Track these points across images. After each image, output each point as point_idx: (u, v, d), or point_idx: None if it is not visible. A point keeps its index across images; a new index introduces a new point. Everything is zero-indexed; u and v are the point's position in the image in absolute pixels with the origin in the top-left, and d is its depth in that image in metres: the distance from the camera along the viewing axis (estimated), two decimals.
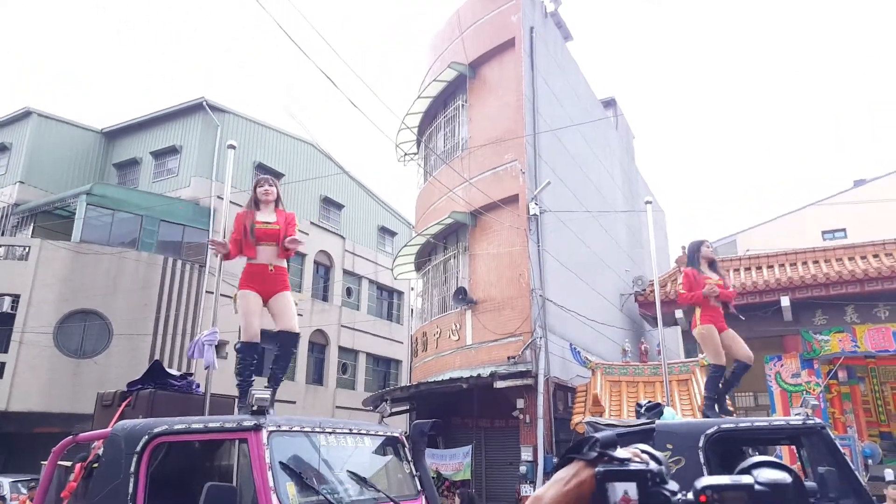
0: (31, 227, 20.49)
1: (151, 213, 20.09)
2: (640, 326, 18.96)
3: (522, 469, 12.16)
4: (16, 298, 17.75)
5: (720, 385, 6.14)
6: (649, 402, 5.91)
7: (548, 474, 11.86)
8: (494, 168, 14.69)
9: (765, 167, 78.22)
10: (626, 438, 5.02)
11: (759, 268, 14.90)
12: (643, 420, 5.18)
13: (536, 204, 13.79)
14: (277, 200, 5.15)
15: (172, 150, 22.49)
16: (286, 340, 4.88)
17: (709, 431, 4.45)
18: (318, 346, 24.51)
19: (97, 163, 23.73)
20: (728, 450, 4.80)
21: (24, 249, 18.54)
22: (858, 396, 15.21)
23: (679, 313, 15.44)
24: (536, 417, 12.28)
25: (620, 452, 0.99)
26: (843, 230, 24.29)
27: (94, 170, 23.41)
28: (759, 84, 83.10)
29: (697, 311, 6.20)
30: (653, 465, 0.96)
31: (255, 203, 5.07)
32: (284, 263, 5.04)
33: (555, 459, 12.13)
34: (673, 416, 5.53)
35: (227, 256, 5.14)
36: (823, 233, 24.58)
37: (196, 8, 78.09)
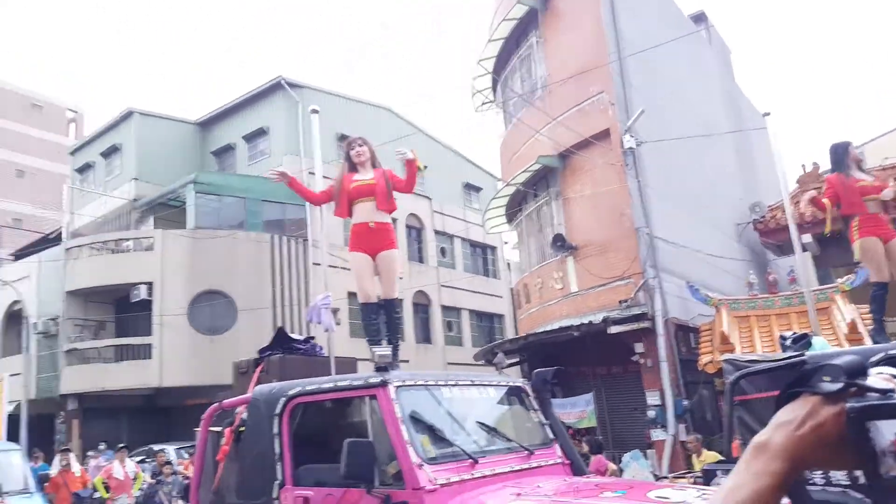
0: (152, 219, 22.07)
1: (252, 195, 20.99)
2: (761, 257, 17.75)
3: (651, 414, 11.81)
4: (150, 286, 19.32)
5: (881, 305, 5.49)
6: (794, 333, 5.44)
7: (679, 417, 11.48)
8: (580, 104, 13.91)
9: (877, 72, 70.77)
10: (774, 374, 4.63)
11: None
12: (790, 353, 4.79)
13: (631, 136, 12.99)
14: (373, 159, 5.05)
15: (261, 132, 23.23)
16: (388, 307, 4.86)
17: (874, 359, 3.96)
18: (422, 307, 24.99)
19: (197, 153, 24.94)
20: None
21: (149, 240, 20.15)
22: None
23: (807, 237, 14.29)
24: (659, 360, 11.81)
25: (874, 380, 0.72)
26: None
27: (195, 159, 24.61)
28: None
29: (855, 222, 5.45)
30: None
31: (353, 167, 5.00)
32: (386, 219, 4.89)
33: (685, 402, 11.70)
34: (824, 345, 5.07)
35: (315, 200, 5.23)
36: None
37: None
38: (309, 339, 5.06)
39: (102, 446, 16.28)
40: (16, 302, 20.95)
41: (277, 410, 3.68)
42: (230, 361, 5.37)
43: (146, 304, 19.33)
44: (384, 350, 4.27)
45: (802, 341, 4.89)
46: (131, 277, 19.56)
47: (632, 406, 12.97)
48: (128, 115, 23.85)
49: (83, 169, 25.87)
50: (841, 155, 5.61)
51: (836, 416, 0.72)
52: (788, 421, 0.75)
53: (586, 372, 13.88)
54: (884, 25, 72.70)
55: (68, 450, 11.69)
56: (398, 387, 3.50)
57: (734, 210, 17.16)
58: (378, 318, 4.80)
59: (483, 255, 29.09)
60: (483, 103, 17.99)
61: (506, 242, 26.18)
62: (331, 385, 3.71)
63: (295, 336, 5.06)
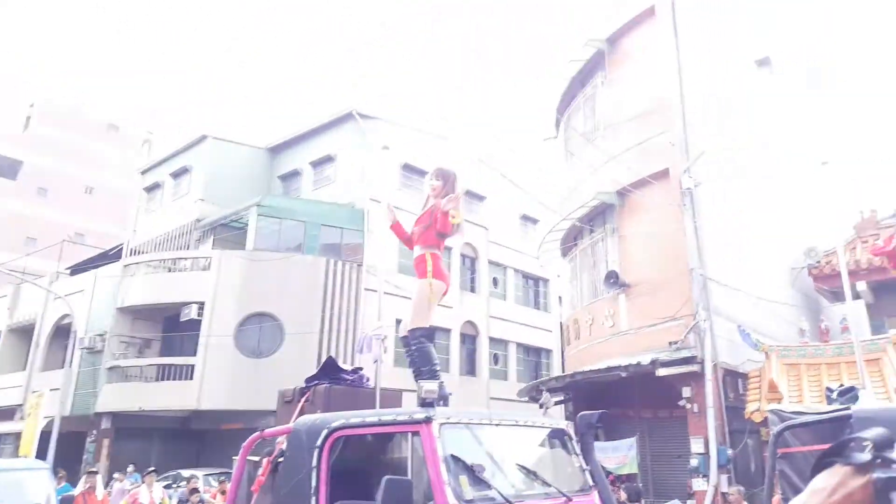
0: (212, 240, 22.68)
1: (313, 219, 21.49)
2: (815, 303, 17.15)
3: (693, 462, 11.46)
4: (201, 305, 19.55)
5: None
6: (841, 386, 5.32)
7: (722, 467, 11.12)
8: (640, 143, 13.95)
9: None
10: (819, 428, 4.54)
11: None
12: (836, 406, 4.68)
13: (690, 177, 12.92)
14: (448, 190, 4.98)
15: (328, 159, 23.89)
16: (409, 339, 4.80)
17: None
18: (469, 338, 24.93)
19: (264, 176, 25.74)
20: None
21: (206, 260, 20.53)
22: None
23: (862, 286, 13.81)
24: (705, 406, 11.49)
25: None
26: None
27: (261, 183, 25.38)
28: None
29: None
30: None
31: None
32: (421, 251, 4.91)
33: (729, 451, 11.35)
34: (871, 401, 4.93)
35: (400, 233, 5.23)
36: None
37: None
38: (357, 369, 5.15)
39: (131, 468, 16.11)
40: (65, 316, 21.23)
41: (318, 442, 3.67)
42: (271, 386, 5.43)
43: (195, 324, 19.47)
44: (431, 384, 4.24)
45: (849, 395, 4.78)
46: (184, 296, 19.85)
47: (675, 453, 12.61)
48: (201, 139, 24.92)
49: (151, 188, 26.95)
50: None
51: (864, 487, 0.81)
52: (822, 489, 0.85)
53: (631, 415, 13.60)
54: None
55: (95, 472, 11.26)
56: (442, 424, 3.51)
57: (789, 254, 16.68)
58: (410, 350, 4.82)
59: (535, 288, 28.92)
60: (545, 139, 18.24)
61: (559, 276, 26.01)
62: (375, 419, 3.75)
63: (343, 366, 5.16)
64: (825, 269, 14.95)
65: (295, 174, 25.24)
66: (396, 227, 5.16)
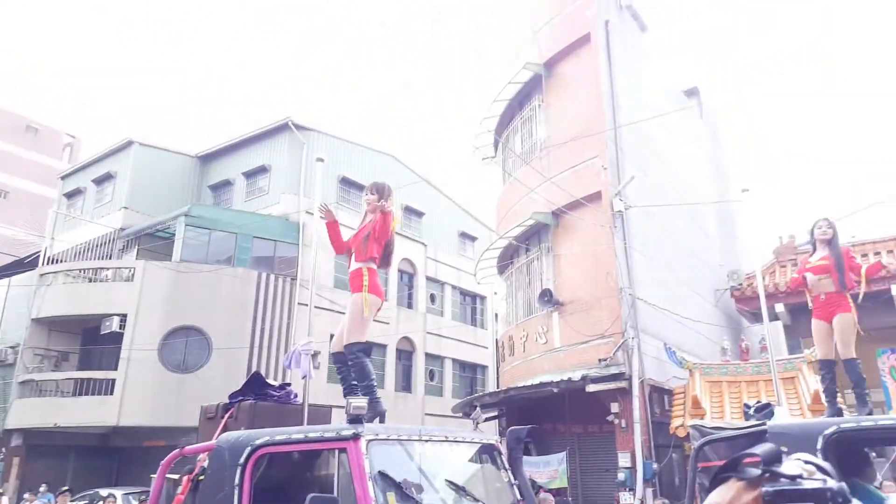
0: (136, 250, 21.80)
1: (245, 231, 20.99)
2: (737, 323, 18.00)
3: (620, 476, 11.73)
4: (123, 318, 18.76)
5: (830, 381, 5.69)
6: (758, 402, 5.57)
7: (647, 481, 11.43)
8: (575, 166, 14.37)
9: (861, 147, 72.81)
10: (737, 442, 4.73)
11: (864, 255, 13.90)
12: (753, 422, 4.89)
13: (621, 200, 13.37)
14: (380, 205, 4.95)
15: (262, 170, 23.45)
16: (347, 355, 4.77)
17: (827, 432, 4.08)
18: (406, 354, 24.82)
19: (194, 186, 25.02)
20: (850, 451, 4.44)
21: (130, 271, 19.70)
22: None
23: (780, 307, 14.57)
24: (633, 422, 11.83)
25: (788, 468, 0.86)
26: None
27: (191, 192, 24.68)
28: (843, 66, 77.53)
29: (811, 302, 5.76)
30: (831, 483, 0.82)
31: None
32: (361, 265, 4.87)
33: (655, 465, 11.69)
34: (785, 416, 5.18)
35: (338, 250, 5.15)
36: None
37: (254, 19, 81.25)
38: (284, 385, 5.02)
39: (43, 488, 15.26)
40: None
41: (241, 460, 3.57)
42: (197, 402, 5.27)
43: (117, 337, 18.72)
44: (360, 401, 4.21)
45: (765, 411, 5.00)
46: (105, 308, 19.04)
47: (604, 467, 12.91)
48: (127, 145, 23.98)
49: (72, 194, 25.74)
50: (811, 234, 5.84)
51: (755, 500, 0.86)
52: (717, 503, 0.91)
53: (562, 429, 13.84)
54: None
55: (1, 493, 10.79)
56: (371, 441, 3.47)
57: (713, 276, 17.50)
58: (342, 368, 4.81)
59: (472, 305, 29.13)
60: (483, 158, 18.51)
61: (495, 293, 26.31)
62: (301, 436, 3.67)
63: (270, 381, 5.01)
64: (746, 292, 15.67)
65: (226, 184, 24.64)
66: (332, 227, 5.09)
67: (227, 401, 4.70)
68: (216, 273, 19.68)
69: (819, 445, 4.03)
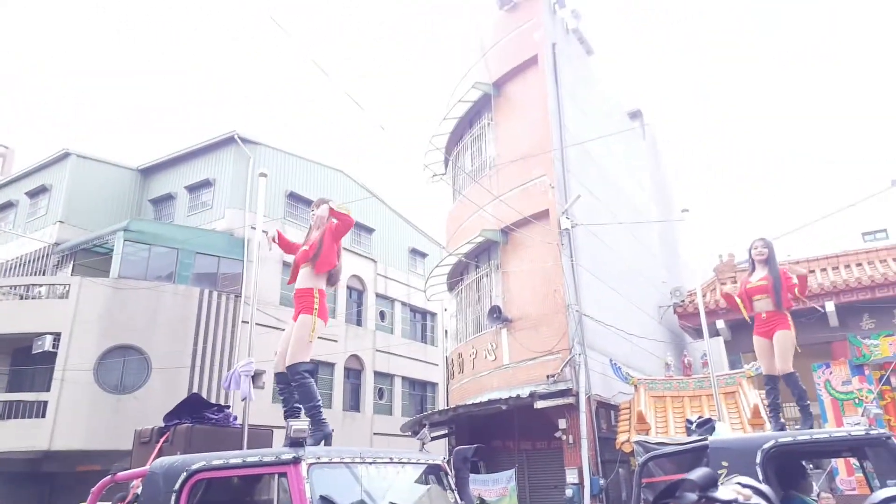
0: (71, 266, 20.95)
1: (187, 247, 20.43)
2: (680, 339, 18.50)
3: (568, 492, 11.80)
4: (57, 337, 17.96)
5: (774, 396, 5.89)
6: (700, 417, 5.69)
7: (594, 496, 11.52)
8: (523, 184, 14.57)
9: (796, 170, 76.45)
10: (679, 458, 4.81)
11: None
12: (694, 437, 4.99)
13: (567, 218, 13.60)
14: (324, 220, 5.00)
15: (206, 184, 22.94)
16: (290, 375, 4.69)
17: (766, 446, 4.26)
18: (354, 372, 24.48)
19: (134, 199, 24.31)
20: (787, 464, 4.60)
21: (65, 288, 18.86)
22: None
23: (720, 324, 15.04)
24: (580, 437, 11.95)
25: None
26: (884, 230, 23.40)
27: (130, 206, 23.96)
28: (784, 88, 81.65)
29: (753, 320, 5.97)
30: None
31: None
32: (308, 284, 4.82)
33: (601, 481, 11.80)
34: (725, 431, 5.31)
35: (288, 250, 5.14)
36: (864, 234, 23.69)
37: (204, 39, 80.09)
38: (223, 407, 4.86)
39: None
40: None
41: (176, 486, 3.45)
42: (136, 424, 5.08)
43: (50, 357, 17.83)
44: (301, 424, 4.13)
45: (706, 426, 5.11)
46: (37, 326, 18.11)
47: (552, 483, 12.95)
48: (64, 157, 23.09)
49: (3, 207, 24.65)
50: (749, 254, 6.05)
51: None
52: None
53: (511, 446, 13.85)
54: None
55: None
56: (312, 464, 3.39)
57: (658, 292, 17.96)
58: (284, 389, 4.72)
59: (423, 322, 29.01)
60: (434, 175, 18.56)
61: (445, 310, 26.31)
62: (239, 460, 3.55)
63: (211, 402, 4.85)
64: (688, 308, 16.12)
65: (168, 198, 24.01)
66: (282, 244, 5.04)
67: (163, 424, 4.52)
68: (156, 290, 19.07)
69: (758, 460, 4.15)
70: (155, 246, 20.23)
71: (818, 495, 9.02)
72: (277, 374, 4.82)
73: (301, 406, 4.67)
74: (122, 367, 18.33)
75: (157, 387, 17.96)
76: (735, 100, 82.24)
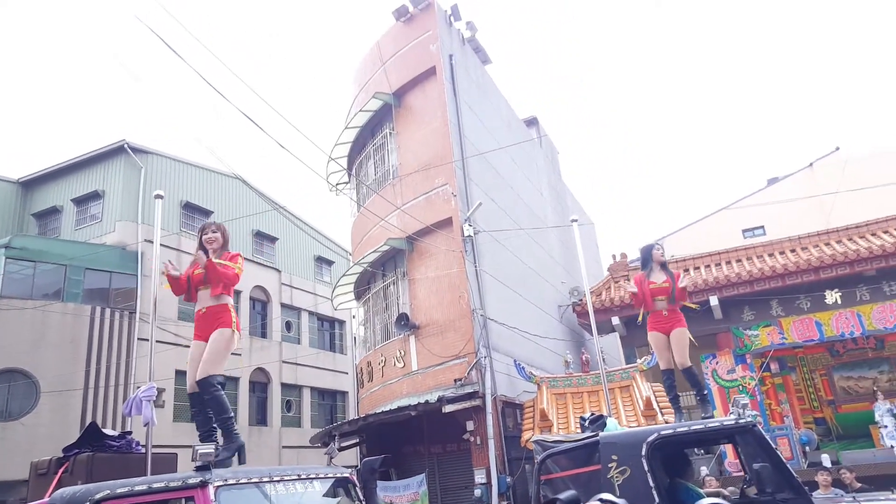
0: None
1: (75, 262, 19.23)
2: (580, 336, 19.40)
3: (477, 492, 12.13)
4: None
5: (674, 389, 6.41)
6: (592, 414, 6.09)
7: (502, 494, 11.92)
8: (426, 193, 14.85)
9: (680, 172, 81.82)
10: (574, 454, 5.16)
11: (686, 270, 15.46)
12: (587, 434, 5.33)
13: (470, 225, 14.01)
14: (226, 244, 5.06)
15: (95, 196, 21.69)
16: (201, 392, 4.68)
17: (650, 439, 4.57)
18: (260, 385, 23.87)
19: (15, 214, 22.62)
20: (671, 454, 4.96)
21: None
22: (791, 386, 15.97)
23: (616, 320, 15.92)
24: (487, 438, 12.33)
25: None
26: (762, 227, 25.38)
27: (12, 221, 22.29)
28: (663, 92, 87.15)
29: (649, 318, 6.40)
30: None
31: (204, 250, 4.95)
32: (218, 301, 4.84)
33: (508, 479, 12.23)
34: (615, 426, 5.73)
35: (177, 287, 4.95)
36: (744, 231, 25.58)
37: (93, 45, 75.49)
38: (125, 433, 4.75)
39: None
40: None
41: None
42: (24, 452, 4.88)
43: None
44: (207, 448, 4.13)
45: (598, 422, 5.48)
46: None
47: (462, 484, 13.26)
48: None
49: None
50: (646, 257, 6.56)
51: None
52: None
53: (422, 451, 14.06)
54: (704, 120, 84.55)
55: None
56: (219, 487, 3.42)
57: (557, 293, 18.77)
58: (197, 410, 4.70)
59: (331, 330, 28.64)
60: (336, 185, 18.47)
61: (354, 316, 26.13)
62: (144, 487, 3.52)
63: (109, 431, 4.71)
64: (586, 307, 16.91)
65: (54, 212, 22.52)
66: (175, 280, 4.94)
67: (62, 454, 4.38)
68: (43, 309, 17.85)
69: (644, 452, 4.52)
70: (40, 262, 18.92)
71: (704, 479, 9.80)
72: (191, 396, 4.77)
73: (217, 427, 4.68)
74: (6, 392, 17.06)
75: (46, 412, 16.86)
76: (620, 104, 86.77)
